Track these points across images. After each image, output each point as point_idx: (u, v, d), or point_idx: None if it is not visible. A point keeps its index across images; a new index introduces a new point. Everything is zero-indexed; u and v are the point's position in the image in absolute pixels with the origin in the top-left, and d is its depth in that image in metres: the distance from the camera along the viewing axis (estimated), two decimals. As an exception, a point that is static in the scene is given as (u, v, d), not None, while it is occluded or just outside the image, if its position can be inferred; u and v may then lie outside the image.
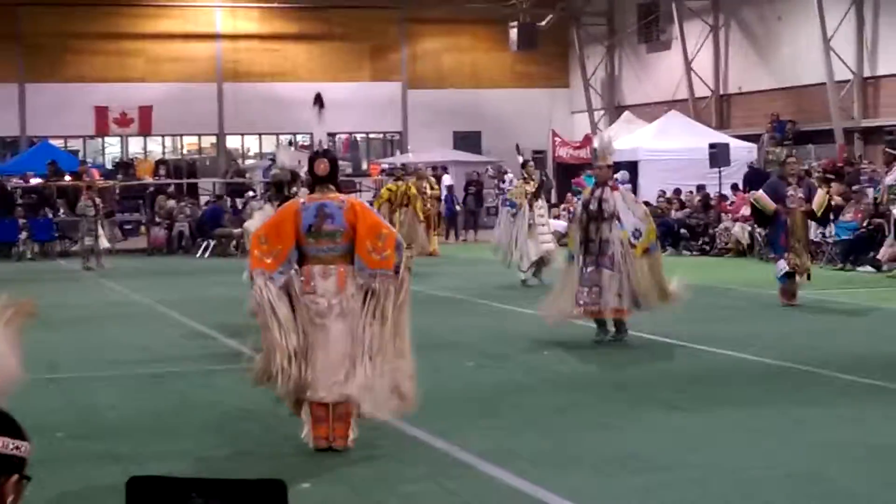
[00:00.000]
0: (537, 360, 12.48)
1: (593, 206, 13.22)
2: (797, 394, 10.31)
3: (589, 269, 13.17)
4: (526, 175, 21.05)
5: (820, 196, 17.19)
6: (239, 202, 33.64)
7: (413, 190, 25.44)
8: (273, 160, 24.44)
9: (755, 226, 24.77)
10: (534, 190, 20.65)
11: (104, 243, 27.62)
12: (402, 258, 8.42)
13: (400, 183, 25.38)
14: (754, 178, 30.32)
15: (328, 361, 8.20)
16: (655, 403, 10.02)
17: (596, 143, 13.89)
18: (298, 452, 8.25)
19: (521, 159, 22.30)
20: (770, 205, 16.68)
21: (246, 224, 15.37)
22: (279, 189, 14.50)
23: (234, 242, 30.26)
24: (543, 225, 20.79)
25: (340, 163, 9.96)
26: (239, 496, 4.01)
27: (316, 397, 8.20)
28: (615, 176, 32.98)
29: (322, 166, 8.59)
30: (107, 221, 28.82)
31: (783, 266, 16.60)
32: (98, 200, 28.15)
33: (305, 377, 8.21)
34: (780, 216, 16.62)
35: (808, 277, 16.83)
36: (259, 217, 14.81)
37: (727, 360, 12.24)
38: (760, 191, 17.55)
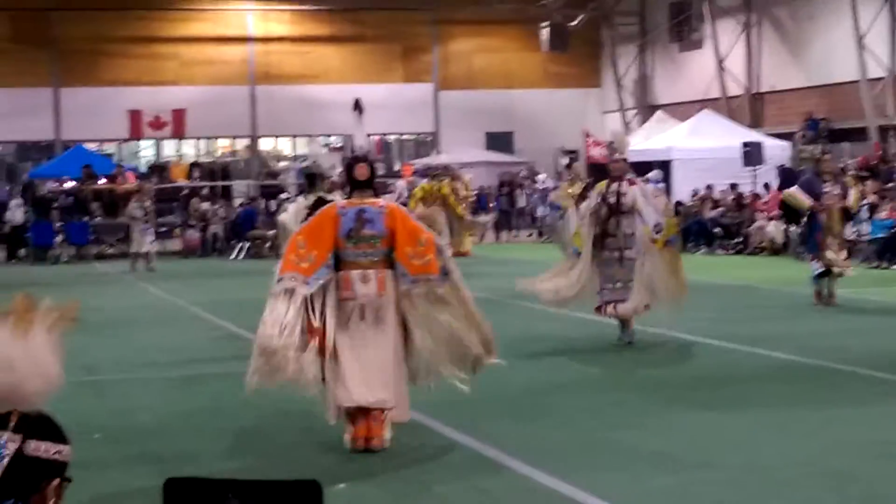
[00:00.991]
0: (571, 360, 12.48)
1: (611, 200, 13.13)
2: (832, 393, 10.28)
3: (611, 266, 13.08)
4: (572, 176, 20.81)
5: (855, 193, 17.10)
6: (273, 204, 33.75)
7: (446, 189, 25.50)
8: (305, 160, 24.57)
9: (787, 223, 24.68)
10: (580, 191, 20.56)
11: (147, 246, 27.65)
12: (445, 260, 8.43)
13: (434, 182, 25.45)
14: (785, 177, 30.22)
15: (364, 367, 8.21)
16: (689, 403, 10.01)
17: (611, 137, 13.77)
18: (333, 453, 8.29)
19: (564, 161, 22.09)
20: (805, 201, 16.51)
21: (280, 217, 15.37)
22: (311, 182, 14.50)
23: (268, 244, 30.33)
24: None
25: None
26: (275, 497, 4.04)
27: (351, 402, 8.22)
28: (648, 175, 33.01)
29: (362, 170, 8.61)
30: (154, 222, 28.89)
31: (818, 266, 16.46)
32: (148, 204, 28.27)
33: (331, 382, 8.22)
34: (816, 213, 16.48)
35: (844, 273, 16.58)
36: (293, 209, 14.80)
37: (761, 360, 12.21)
38: (795, 187, 17.39)
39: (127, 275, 26.40)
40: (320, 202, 11.90)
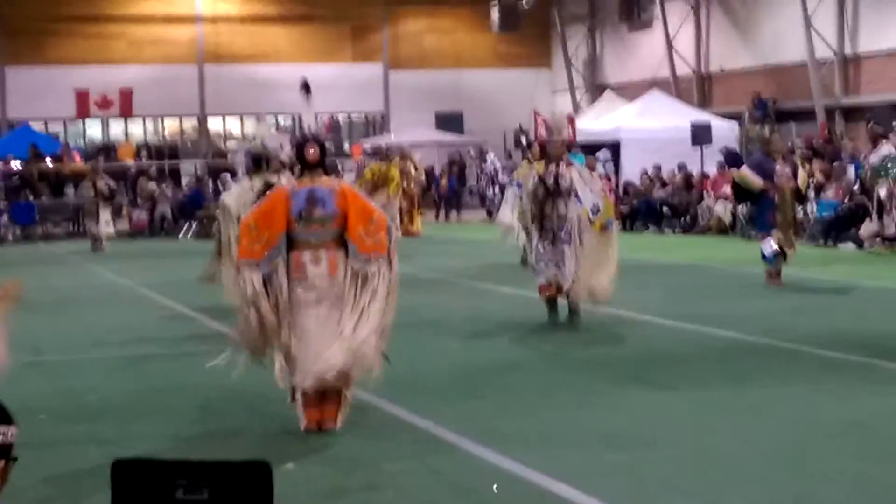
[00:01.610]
0: (521, 340, 12.50)
1: (549, 182, 13.09)
2: (780, 371, 10.34)
3: (546, 246, 13.11)
4: (531, 156, 20.82)
5: (803, 174, 17.20)
6: (232, 186, 33.54)
7: (394, 171, 25.46)
8: (253, 139, 24.43)
9: (737, 204, 24.81)
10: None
11: (104, 227, 27.28)
12: (391, 242, 8.46)
13: (383, 164, 25.41)
14: (729, 158, 30.41)
15: (319, 349, 8.20)
16: (639, 382, 10.05)
17: (549, 119, 13.78)
18: (283, 433, 8.27)
19: (524, 140, 21.95)
20: (756, 182, 16.51)
21: (222, 198, 15.25)
22: (258, 164, 14.43)
23: (215, 224, 30.15)
24: None
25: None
26: (224, 478, 4.02)
27: (307, 385, 8.21)
28: (597, 154, 33.05)
29: (313, 151, 8.58)
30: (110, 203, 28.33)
31: (772, 245, 16.47)
32: (101, 184, 27.80)
33: (293, 361, 8.26)
34: (767, 193, 16.53)
35: (787, 258, 16.70)
36: (236, 191, 14.74)
37: (710, 338, 12.27)
38: (745, 167, 17.44)
39: (73, 255, 26.19)
40: (267, 187, 11.86)
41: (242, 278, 8.29)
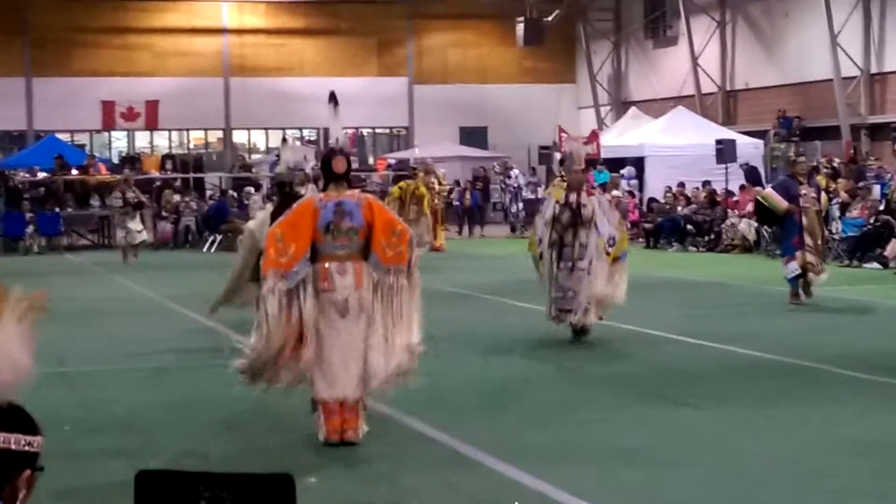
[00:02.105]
0: (543, 356, 12.50)
1: (569, 212, 13.06)
2: (803, 391, 10.32)
3: (563, 274, 13.09)
4: (564, 172, 20.64)
5: (824, 196, 17.15)
6: (243, 197, 33.65)
7: (423, 189, 25.54)
8: (279, 156, 24.46)
9: (762, 225, 24.74)
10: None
11: (137, 236, 27.22)
12: (413, 253, 8.49)
13: (410, 182, 25.52)
14: (749, 175, 30.40)
15: (343, 360, 8.23)
16: (662, 399, 10.04)
17: (568, 148, 13.72)
18: (306, 447, 8.29)
19: (558, 156, 21.67)
20: (781, 203, 16.45)
21: (248, 224, 15.30)
22: (282, 188, 14.50)
23: (239, 238, 30.21)
24: None
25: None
26: (247, 490, 4.03)
27: (329, 396, 8.23)
28: (622, 171, 32.95)
29: (340, 164, 8.63)
30: (140, 213, 28.11)
31: (794, 268, 16.40)
32: (130, 195, 27.67)
33: (313, 374, 8.27)
34: (793, 215, 16.47)
35: (810, 279, 16.59)
36: (261, 217, 14.79)
37: (734, 357, 12.25)
38: (769, 188, 17.38)
39: (98, 266, 26.29)
40: (290, 197, 11.86)
41: (269, 287, 8.28)
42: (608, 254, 13.03)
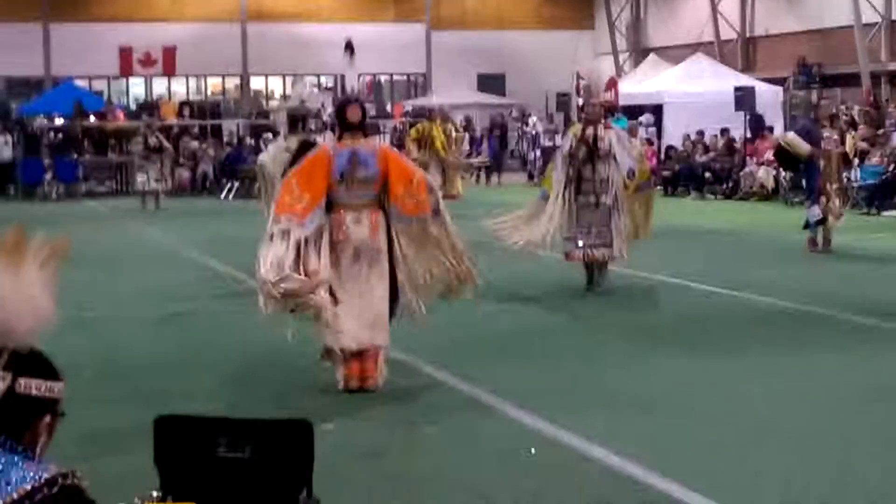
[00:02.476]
0: (558, 303, 12.54)
1: (585, 146, 12.90)
2: (815, 337, 10.35)
3: (586, 210, 12.90)
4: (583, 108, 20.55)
5: (850, 139, 17.06)
6: (262, 144, 33.65)
7: (436, 131, 25.45)
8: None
9: (780, 169, 24.67)
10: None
11: (153, 184, 27.11)
12: (437, 199, 8.48)
13: (426, 124, 25.44)
14: (753, 123, 30.28)
15: (360, 309, 8.26)
16: (676, 345, 10.08)
17: (587, 81, 13.66)
18: (323, 393, 8.35)
19: (578, 102, 21.40)
20: (804, 148, 16.34)
21: (260, 157, 15.30)
22: (293, 124, 14.49)
23: (256, 185, 30.23)
24: None
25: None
26: (265, 436, 4.09)
27: (347, 345, 8.26)
28: (640, 118, 32.80)
29: (355, 113, 8.62)
30: (160, 159, 27.75)
31: (817, 212, 16.32)
32: (153, 140, 27.53)
33: (331, 321, 8.26)
34: (814, 159, 16.41)
35: (830, 224, 16.59)
36: (272, 150, 14.79)
37: (748, 305, 12.27)
38: (792, 133, 17.27)
39: (116, 213, 26.38)
40: (306, 145, 11.85)
41: (282, 228, 8.18)
42: (626, 186, 12.93)
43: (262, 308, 8.24)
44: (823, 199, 16.25)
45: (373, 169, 8.40)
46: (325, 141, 15.91)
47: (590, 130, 13.03)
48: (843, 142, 16.72)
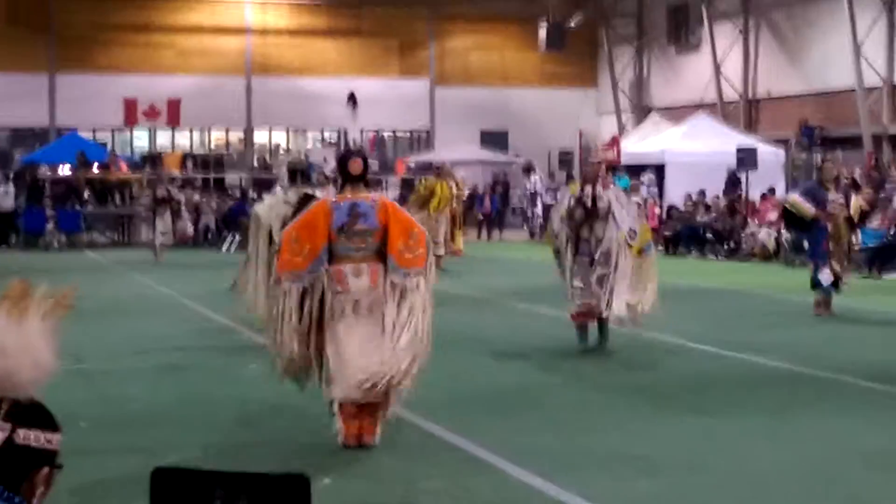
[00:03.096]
0: (559, 360, 12.49)
1: (587, 204, 12.79)
2: (820, 400, 10.30)
3: (582, 269, 12.83)
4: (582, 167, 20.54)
5: (856, 201, 16.97)
6: (266, 197, 33.67)
7: (438, 187, 25.54)
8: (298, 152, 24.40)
9: (782, 231, 24.68)
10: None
11: (159, 238, 27.25)
12: (430, 256, 8.52)
13: (430, 179, 25.57)
14: (729, 182, 30.54)
15: (359, 362, 8.24)
16: (677, 406, 10.03)
17: (585, 141, 13.64)
18: (321, 447, 8.30)
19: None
20: (809, 210, 16.26)
21: (255, 208, 15.35)
22: (293, 177, 14.55)
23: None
24: None
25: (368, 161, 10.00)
26: (262, 489, 4.05)
27: (346, 397, 8.25)
28: (642, 177, 32.89)
29: (356, 165, 8.65)
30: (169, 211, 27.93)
31: (828, 277, 16.17)
32: (160, 192, 27.80)
33: (332, 373, 8.28)
34: (820, 222, 16.33)
35: (845, 286, 16.45)
36: (269, 201, 14.85)
37: (751, 365, 12.23)
38: (797, 195, 17.20)
39: (117, 264, 26.40)
40: (307, 198, 11.89)
41: (283, 289, 8.33)
42: (630, 246, 12.91)
43: (280, 374, 8.34)
44: (832, 262, 16.13)
45: (372, 221, 8.41)
46: (327, 194, 15.98)
47: (588, 189, 12.99)
48: (847, 204, 16.59)
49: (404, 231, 8.43)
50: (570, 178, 32.56)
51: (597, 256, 12.78)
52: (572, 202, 12.98)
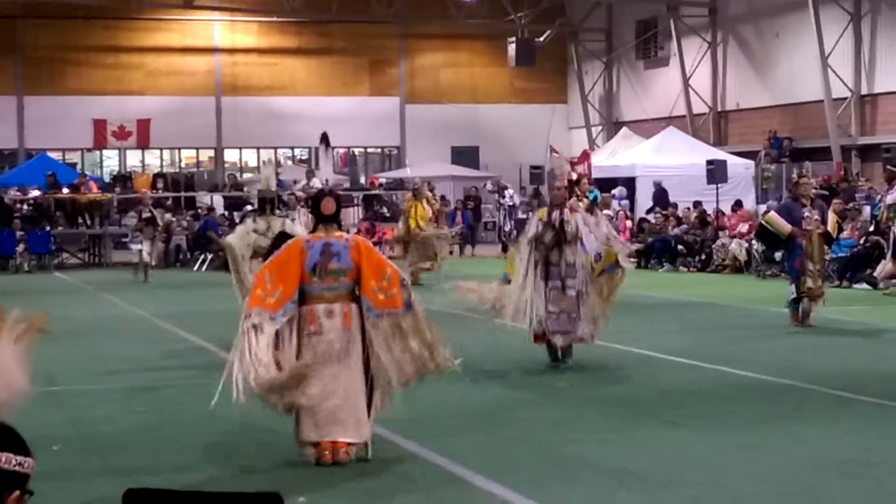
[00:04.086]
0: (534, 377, 12.47)
1: (552, 231, 12.78)
2: (794, 411, 10.31)
3: (553, 294, 12.76)
4: (579, 193, 20.18)
5: (832, 217, 16.97)
6: (237, 216, 33.60)
7: (412, 207, 25.61)
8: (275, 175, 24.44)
9: (754, 243, 24.74)
10: (587, 208, 20.08)
11: (145, 257, 27.36)
12: (409, 293, 8.47)
13: (411, 200, 25.70)
14: (656, 197, 30.80)
15: (332, 403, 8.21)
16: (653, 420, 10.03)
17: (551, 165, 13.49)
18: (295, 466, 8.26)
19: (574, 176, 21.08)
20: (785, 227, 16.21)
21: (227, 237, 15.50)
22: (262, 206, 14.68)
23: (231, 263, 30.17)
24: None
25: (338, 177, 9.98)
26: (236, 510, 4.01)
27: (317, 438, 8.22)
28: (613, 191, 32.94)
29: (329, 205, 8.62)
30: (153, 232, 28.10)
31: (793, 291, 16.19)
32: (145, 213, 28.15)
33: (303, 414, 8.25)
34: (795, 238, 16.27)
35: (824, 302, 16.50)
36: (239, 231, 15.04)
37: (725, 377, 12.24)
38: (773, 212, 17.18)
39: (88, 285, 26.26)
40: (282, 237, 11.91)
41: (253, 324, 8.19)
42: (593, 268, 12.85)
43: (235, 398, 8.19)
44: (803, 278, 16.15)
45: (345, 261, 8.38)
46: (297, 219, 16.07)
47: (555, 214, 12.93)
48: (823, 220, 16.53)
49: (377, 271, 8.40)
50: (538, 194, 32.56)
51: (569, 282, 12.76)
52: (540, 227, 12.94)
